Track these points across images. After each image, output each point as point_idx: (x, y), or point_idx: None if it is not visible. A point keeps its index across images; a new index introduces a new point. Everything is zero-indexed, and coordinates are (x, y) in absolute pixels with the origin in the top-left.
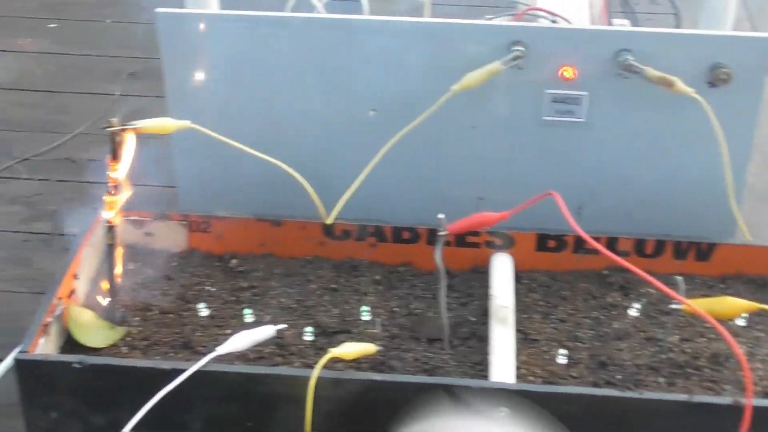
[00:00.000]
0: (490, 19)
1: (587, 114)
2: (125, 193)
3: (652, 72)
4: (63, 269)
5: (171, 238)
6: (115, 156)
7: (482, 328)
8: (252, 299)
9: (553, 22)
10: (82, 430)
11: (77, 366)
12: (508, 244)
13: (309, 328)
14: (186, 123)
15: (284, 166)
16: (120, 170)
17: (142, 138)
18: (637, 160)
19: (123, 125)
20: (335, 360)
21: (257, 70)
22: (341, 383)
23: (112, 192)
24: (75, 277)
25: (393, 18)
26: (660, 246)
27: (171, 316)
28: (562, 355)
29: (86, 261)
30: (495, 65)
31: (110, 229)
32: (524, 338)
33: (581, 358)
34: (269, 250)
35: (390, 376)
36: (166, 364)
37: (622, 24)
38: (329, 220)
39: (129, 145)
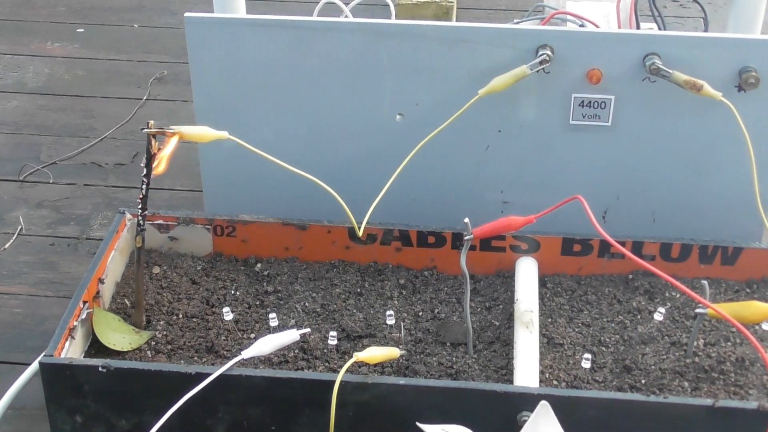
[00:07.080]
0: (517, 23)
1: (613, 118)
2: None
3: (680, 75)
4: (89, 273)
5: (196, 242)
6: (149, 158)
7: (506, 333)
8: (276, 303)
9: (581, 26)
10: None
11: (102, 369)
12: (534, 248)
13: (333, 333)
14: (224, 134)
15: (313, 178)
16: (153, 173)
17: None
18: (664, 164)
19: (161, 128)
20: (359, 364)
21: (284, 74)
22: (365, 387)
23: (145, 194)
24: (101, 280)
25: (419, 22)
26: (686, 250)
27: (196, 320)
28: (587, 359)
29: (112, 265)
30: (522, 69)
31: (140, 231)
32: (549, 342)
33: (605, 363)
34: (294, 254)
35: (414, 381)
36: (190, 368)
37: (649, 28)
38: (360, 233)
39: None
